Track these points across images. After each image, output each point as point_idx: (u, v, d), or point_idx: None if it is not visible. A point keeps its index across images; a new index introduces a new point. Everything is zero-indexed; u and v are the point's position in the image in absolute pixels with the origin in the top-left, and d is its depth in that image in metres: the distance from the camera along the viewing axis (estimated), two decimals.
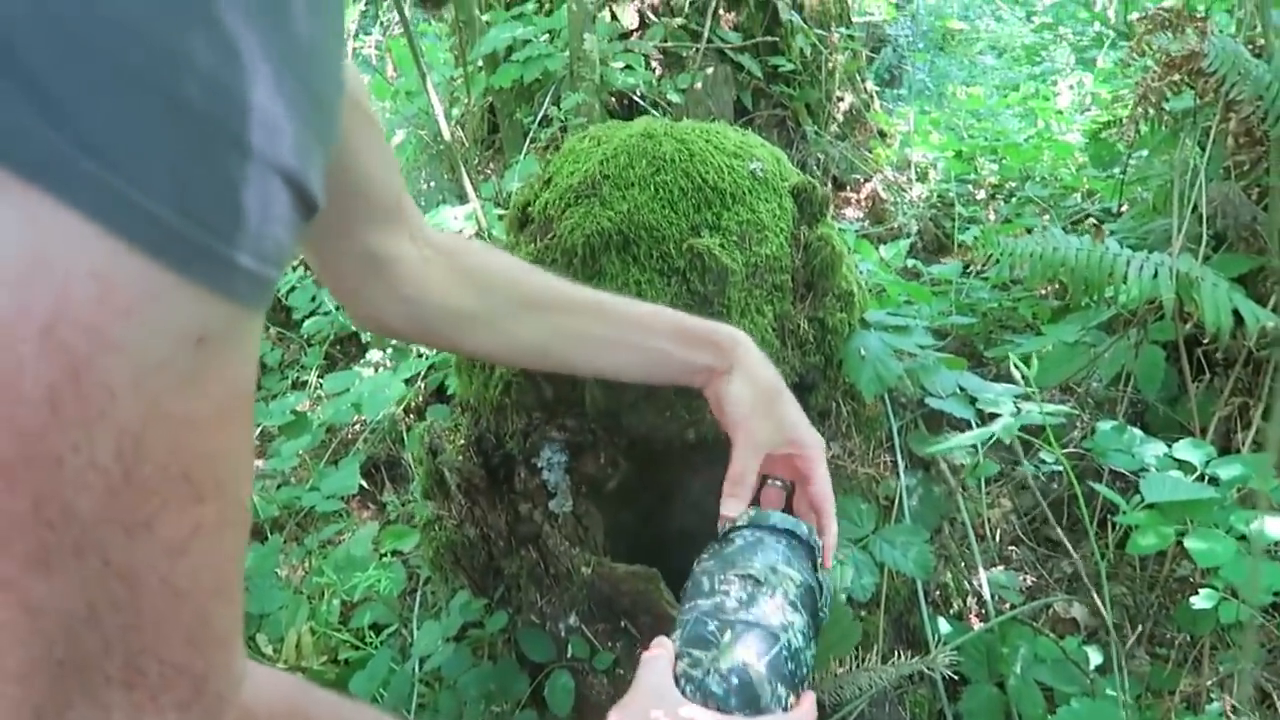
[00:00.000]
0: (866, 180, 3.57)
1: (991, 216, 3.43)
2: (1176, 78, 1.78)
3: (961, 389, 1.53)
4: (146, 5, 0.38)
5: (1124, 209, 2.66)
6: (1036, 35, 6.86)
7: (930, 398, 1.52)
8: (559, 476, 1.41)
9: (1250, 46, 1.96)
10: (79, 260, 0.38)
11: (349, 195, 0.87)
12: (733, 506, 1.06)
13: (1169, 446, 1.49)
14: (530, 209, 1.45)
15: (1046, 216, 3.12)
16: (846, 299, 1.49)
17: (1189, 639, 1.61)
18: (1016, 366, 1.30)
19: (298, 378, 2.65)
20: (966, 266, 2.62)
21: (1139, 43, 1.79)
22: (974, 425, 1.45)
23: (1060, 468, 1.73)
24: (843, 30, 3.43)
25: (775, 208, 1.43)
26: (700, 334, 1.09)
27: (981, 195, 3.59)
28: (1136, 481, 1.40)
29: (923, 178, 3.69)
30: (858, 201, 3.57)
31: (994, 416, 1.44)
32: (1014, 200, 3.27)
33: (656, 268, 1.35)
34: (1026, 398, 1.54)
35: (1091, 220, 1.84)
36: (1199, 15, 1.86)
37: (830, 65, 3.35)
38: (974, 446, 1.40)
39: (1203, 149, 1.89)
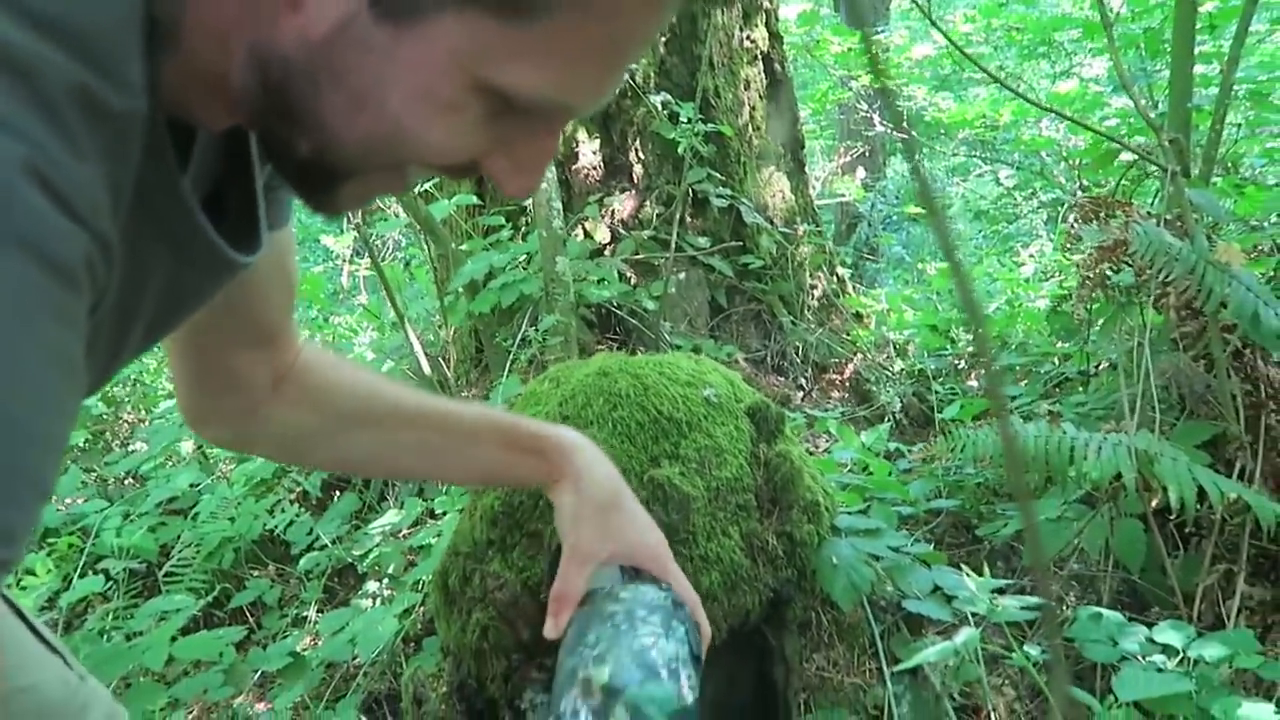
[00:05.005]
0: (847, 361, 3.66)
1: (974, 383, 3.50)
2: (1111, 262, 1.87)
3: (938, 587, 1.55)
4: None
5: (1100, 367, 2.74)
6: (1007, 199, 7.13)
7: (908, 599, 1.53)
8: (543, 717, 1.41)
9: (1179, 223, 2.06)
10: None
11: (232, 313, 0.89)
12: (549, 627, 0.98)
13: (1150, 629, 1.49)
14: None
15: (1025, 382, 3.19)
16: (812, 509, 1.53)
17: None
18: (969, 575, 1.32)
19: (297, 614, 2.65)
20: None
21: (1069, 236, 1.89)
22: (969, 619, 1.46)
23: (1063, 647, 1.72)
24: (808, 225, 3.59)
25: (732, 430, 1.49)
26: (527, 443, 1.04)
27: (962, 365, 3.67)
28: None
29: (901, 354, 3.78)
30: (840, 383, 3.65)
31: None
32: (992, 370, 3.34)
33: None
34: (1004, 590, 1.56)
35: (1048, 411, 1.89)
36: (1125, 201, 1.96)
37: (798, 259, 3.49)
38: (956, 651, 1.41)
39: (1149, 321, 1.96)
